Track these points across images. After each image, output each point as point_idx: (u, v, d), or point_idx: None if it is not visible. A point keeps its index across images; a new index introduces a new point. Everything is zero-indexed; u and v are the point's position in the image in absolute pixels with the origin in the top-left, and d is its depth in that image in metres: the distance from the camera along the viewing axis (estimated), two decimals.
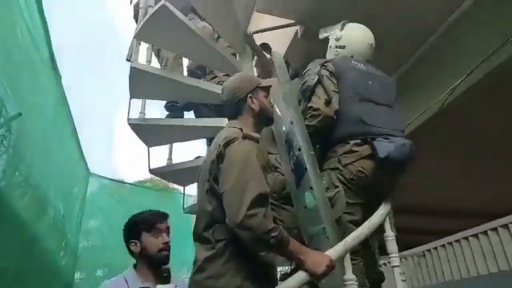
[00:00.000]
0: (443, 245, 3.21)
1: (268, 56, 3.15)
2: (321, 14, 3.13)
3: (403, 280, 2.01)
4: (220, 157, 1.55)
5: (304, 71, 2.30)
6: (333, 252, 1.59)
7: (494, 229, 2.84)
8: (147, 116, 2.80)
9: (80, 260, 6.76)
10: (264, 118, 1.80)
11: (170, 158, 3.19)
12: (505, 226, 2.89)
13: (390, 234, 1.96)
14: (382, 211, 1.96)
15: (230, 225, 1.43)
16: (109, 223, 7.45)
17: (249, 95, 1.76)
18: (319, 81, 2.16)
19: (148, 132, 2.88)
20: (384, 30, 2.93)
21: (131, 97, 2.75)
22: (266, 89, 1.81)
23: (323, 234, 1.99)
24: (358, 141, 2.04)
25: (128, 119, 2.73)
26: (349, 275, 1.63)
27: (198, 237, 1.66)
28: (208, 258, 1.53)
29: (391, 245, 1.93)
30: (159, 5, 2.38)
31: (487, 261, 2.96)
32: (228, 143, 1.55)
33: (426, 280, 3.27)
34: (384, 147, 1.92)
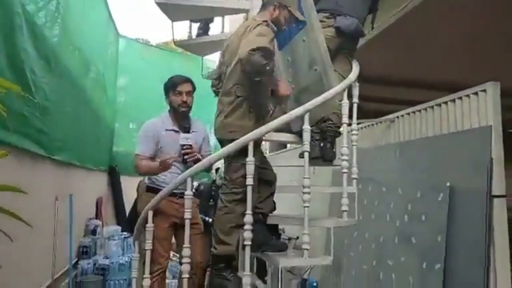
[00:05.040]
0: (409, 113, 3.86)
1: None
2: None
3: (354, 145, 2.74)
4: (250, 31, 2.27)
5: None
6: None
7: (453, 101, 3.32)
8: None
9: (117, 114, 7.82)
10: (274, 26, 2.44)
11: (190, 32, 3.76)
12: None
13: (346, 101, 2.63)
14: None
15: (240, 56, 2.12)
16: (137, 81, 8.10)
17: (275, 6, 2.40)
18: None
19: (172, 9, 3.41)
20: None
21: None
22: (291, 13, 2.44)
23: (313, 70, 2.60)
24: (328, 14, 2.79)
25: None
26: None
27: (224, 93, 2.33)
28: (232, 108, 2.27)
29: (345, 109, 2.62)
30: None
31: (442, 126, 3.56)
32: (258, 24, 2.29)
33: (393, 140, 4.06)
34: (340, 21, 2.74)
